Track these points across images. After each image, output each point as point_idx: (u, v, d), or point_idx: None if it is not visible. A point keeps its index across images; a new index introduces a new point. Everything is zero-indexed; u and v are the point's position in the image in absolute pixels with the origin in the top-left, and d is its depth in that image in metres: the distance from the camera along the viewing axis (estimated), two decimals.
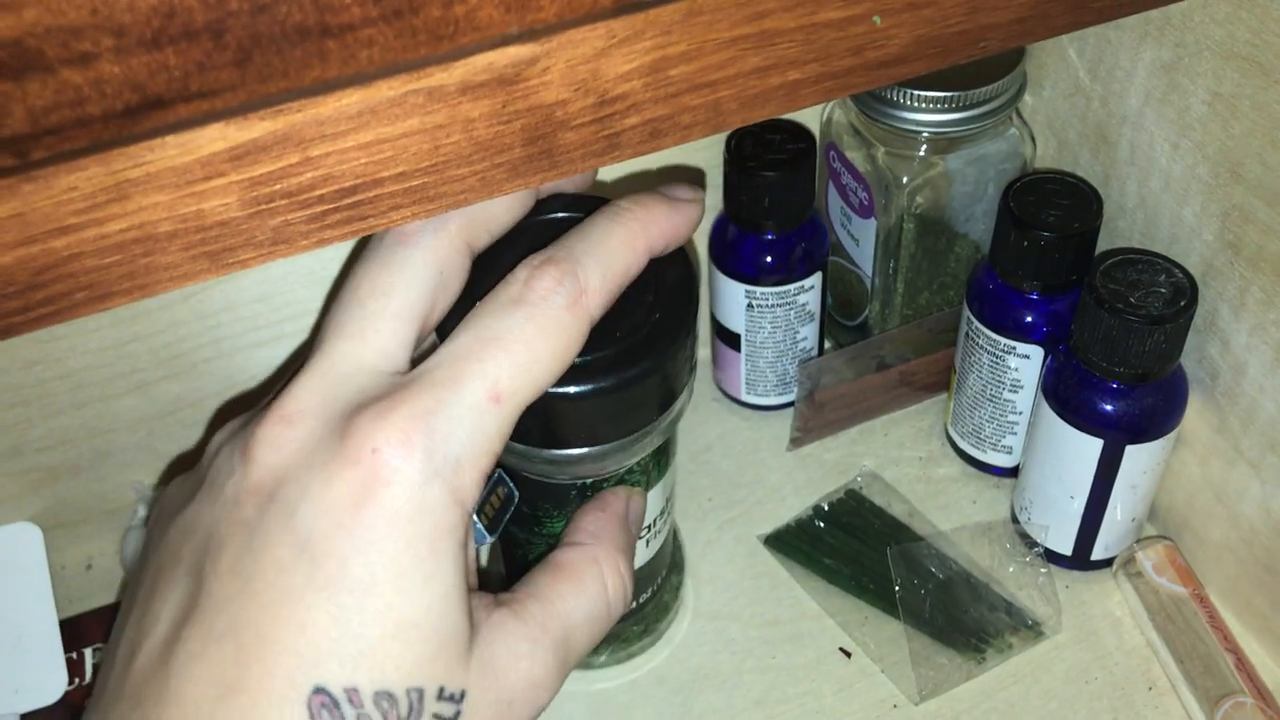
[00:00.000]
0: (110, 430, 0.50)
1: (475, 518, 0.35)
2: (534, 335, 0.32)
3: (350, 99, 0.25)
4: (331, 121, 0.26)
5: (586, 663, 0.49)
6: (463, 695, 0.31)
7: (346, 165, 0.26)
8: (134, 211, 0.25)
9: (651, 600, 0.48)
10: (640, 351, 0.36)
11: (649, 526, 0.43)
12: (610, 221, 0.35)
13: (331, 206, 0.27)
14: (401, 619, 0.30)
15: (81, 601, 0.52)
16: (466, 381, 0.31)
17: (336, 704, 0.29)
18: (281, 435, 0.31)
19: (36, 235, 0.25)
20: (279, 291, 0.49)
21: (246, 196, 0.26)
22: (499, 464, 0.38)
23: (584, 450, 0.38)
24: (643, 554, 0.44)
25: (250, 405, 0.32)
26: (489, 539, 0.36)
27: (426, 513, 0.30)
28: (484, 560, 0.52)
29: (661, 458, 0.42)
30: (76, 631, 0.50)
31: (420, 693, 0.30)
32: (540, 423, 0.36)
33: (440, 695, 0.31)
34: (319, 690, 0.29)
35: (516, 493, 0.38)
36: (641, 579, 0.46)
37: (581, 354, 0.35)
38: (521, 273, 0.33)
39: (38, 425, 0.49)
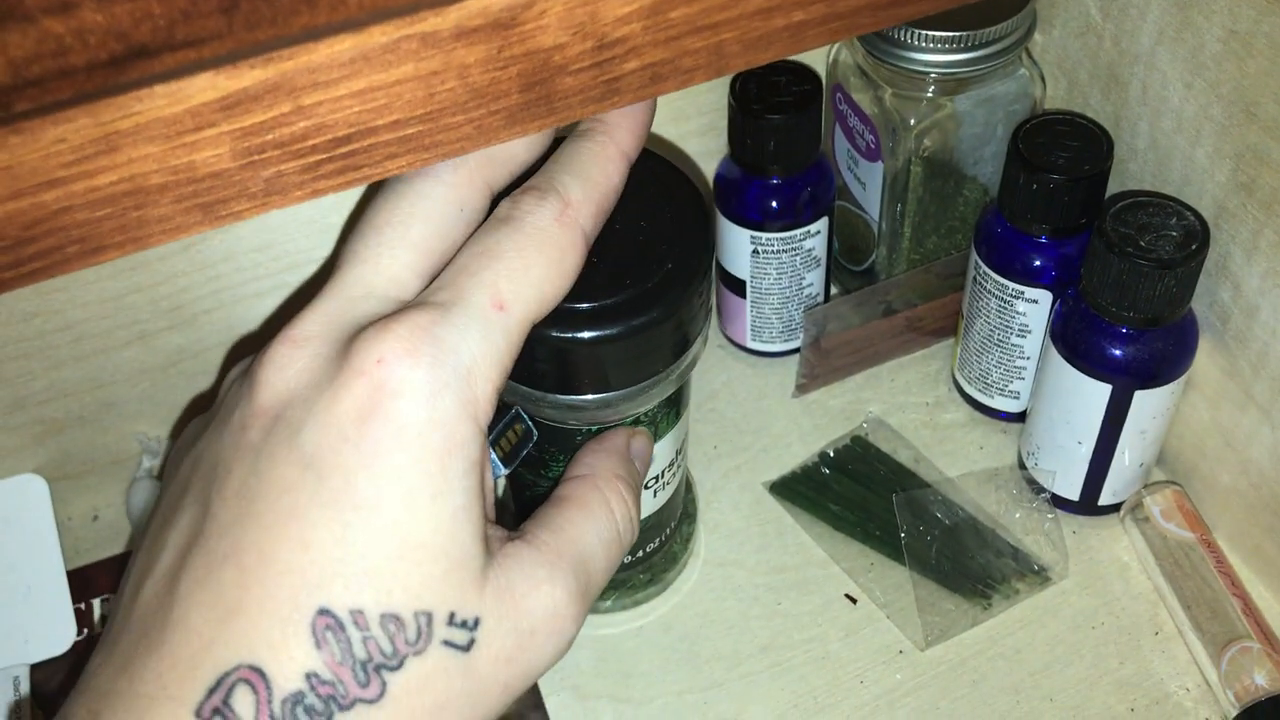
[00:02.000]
0: (112, 382, 0.50)
1: (491, 449, 0.35)
2: (525, 245, 0.31)
3: (342, 45, 0.25)
4: (323, 69, 0.25)
5: (593, 606, 0.49)
6: (477, 622, 0.30)
7: (340, 114, 0.26)
8: (124, 164, 0.25)
9: (660, 550, 0.48)
10: (653, 298, 0.36)
11: (657, 477, 0.43)
12: (576, 140, 0.34)
13: (325, 156, 0.27)
14: (408, 538, 0.29)
15: (89, 553, 0.53)
16: (468, 293, 0.31)
17: (341, 626, 0.28)
18: (287, 356, 0.30)
19: (25, 189, 0.24)
20: (279, 241, 0.48)
21: (238, 147, 0.26)
22: (516, 403, 0.38)
23: (594, 396, 0.37)
24: (650, 504, 0.44)
25: (261, 345, 0.32)
26: (504, 471, 0.35)
27: (436, 426, 0.29)
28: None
29: (672, 408, 0.41)
30: (84, 582, 0.51)
31: (429, 616, 0.29)
32: (551, 367, 0.36)
33: (451, 620, 0.30)
34: (323, 612, 0.28)
35: (535, 430, 0.38)
36: (649, 528, 0.46)
37: (594, 299, 0.34)
38: (506, 201, 0.33)
39: (40, 378, 0.49)
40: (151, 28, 0.21)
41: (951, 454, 0.54)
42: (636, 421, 0.40)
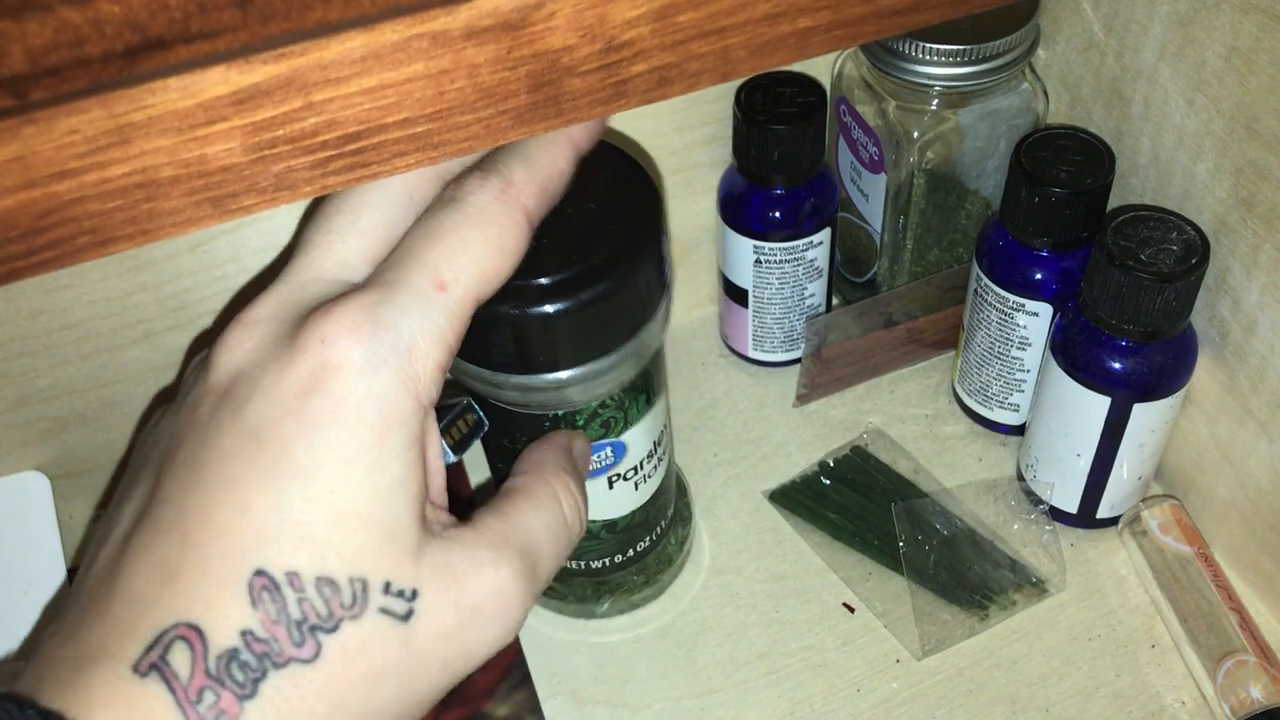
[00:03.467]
0: (116, 380, 0.50)
1: (441, 437, 0.35)
2: (465, 225, 0.32)
3: (354, 43, 0.25)
4: (335, 66, 0.25)
5: (589, 611, 0.49)
6: (415, 594, 0.31)
7: (350, 110, 0.26)
8: (136, 155, 0.25)
9: (652, 550, 0.48)
10: (599, 273, 0.36)
11: (636, 468, 0.43)
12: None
13: (335, 153, 0.27)
14: (343, 507, 0.30)
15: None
16: (410, 274, 0.31)
17: (277, 586, 0.29)
18: (238, 338, 0.32)
19: (38, 179, 0.25)
20: (283, 243, 0.49)
21: (249, 142, 0.26)
22: (470, 392, 0.38)
23: (548, 376, 0.38)
24: (631, 497, 0.44)
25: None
26: (453, 458, 0.36)
27: (374, 400, 0.30)
28: None
29: (640, 394, 0.41)
30: None
31: (364, 583, 0.30)
32: (501, 346, 0.37)
33: (387, 590, 0.30)
34: (259, 572, 0.29)
35: (486, 421, 0.38)
36: (636, 526, 0.46)
37: (540, 275, 0.35)
38: (451, 183, 0.33)
39: (44, 375, 0.49)
40: (168, 19, 0.22)
41: (950, 466, 0.54)
42: (603, 406, 0.40)
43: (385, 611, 0.30)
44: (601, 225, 0.37)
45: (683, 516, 0.51)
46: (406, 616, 0.31)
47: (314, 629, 0.29)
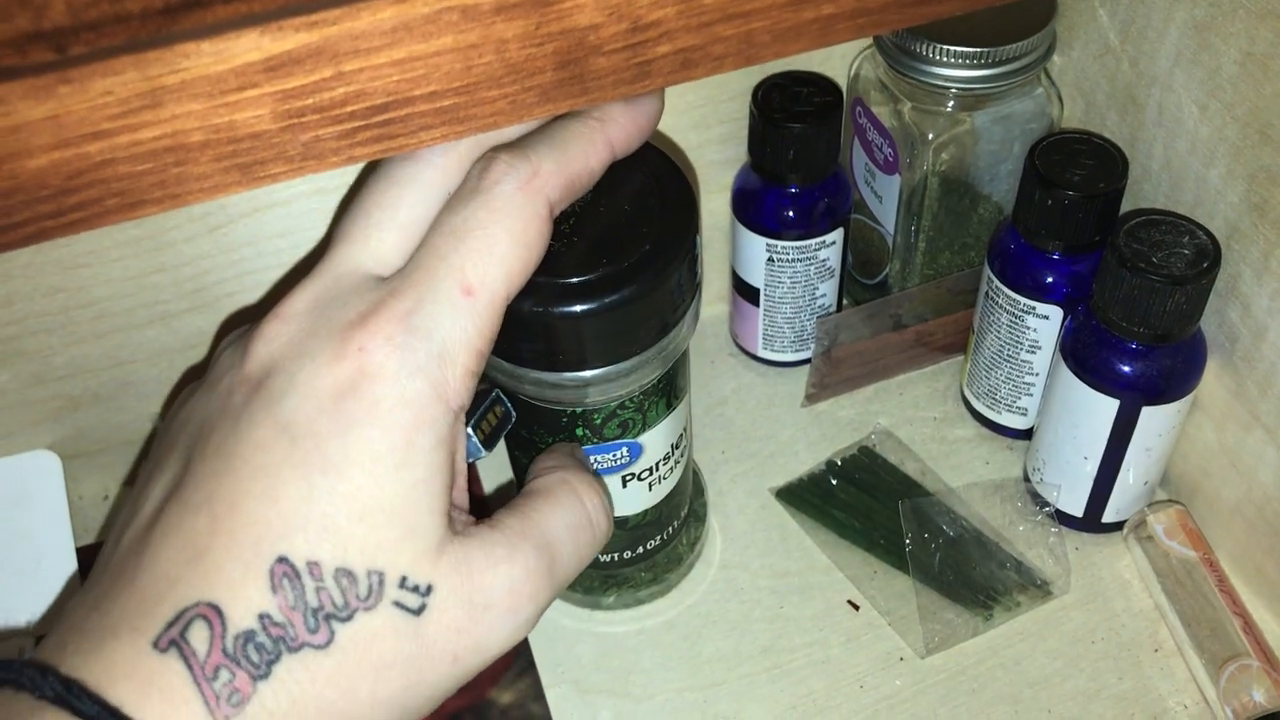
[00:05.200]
0: (131, 361, 0.51)
1: (471, 431, 0.36)
2: (488, 220, 0.32)
3: (385, 13, 0.25)
4: (366, 36, 0.26)
5: (594, 602, 0.50)
6: (429, 589, 0.32)
7: (379, 82, 0.27)
8: (167, 119, 0.25)
9: (662, 549, 0.48)
10: (629, 275, 0.36)
11: (651, 469, 0.44)
12: (569, 119, 0.35)
13: (363, 123, 0.27)
14: (369, 502, 0.31)
15: (99, 532, 0.53)
16: (438, 279, 0.32)
17: (297, 574, 0.30)
18: (276, 330, 0.32)
19: (70, 139, 0.25)
20: (301, 228, 0.49)
21: (279, 109, 0.26)
22: (497, 385, 0.39)
23: (571, 375, 0.38)
24: (644, 497, 0.45)
25: (256, 319, 0.33)
26: (483, 454, 0.36)
27: (407, 404, 0.31)
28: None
29: (661, 397, 0.42)
30: (94, 561, 0.51)
31: (381, 576, 0.31)
32: (527, 342, 0.37)
33: (403, 584, 0.31)
34: (281, 559, 0.30)
35: (514, 413, 0.38)
36: (648, 524, 0.46)
37: (571, 274, 0.35)
38: (477, 165, 0.34)
39: (60, 353, 0.49)
40: None
41: (958, 468, 0.54)
42: (622, 407, 0.40)
43: (399, 605, 0.31)
44: (636, 226, 0.37)
45: (697, 516, 0.51)
46: (419, 610, 0.31)
47: (329, 617, 0.30)
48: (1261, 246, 0.43)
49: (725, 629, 0.49)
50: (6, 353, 0.49)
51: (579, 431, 0.41)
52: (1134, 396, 0.45)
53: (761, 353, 0.58)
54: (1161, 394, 0.45)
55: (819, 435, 0.56)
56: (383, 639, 0.31)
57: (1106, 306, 0.44)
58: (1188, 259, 0.43)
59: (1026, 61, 0.48)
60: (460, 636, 0.32)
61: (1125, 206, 0.48)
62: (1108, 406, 0.46)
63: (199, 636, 0.29)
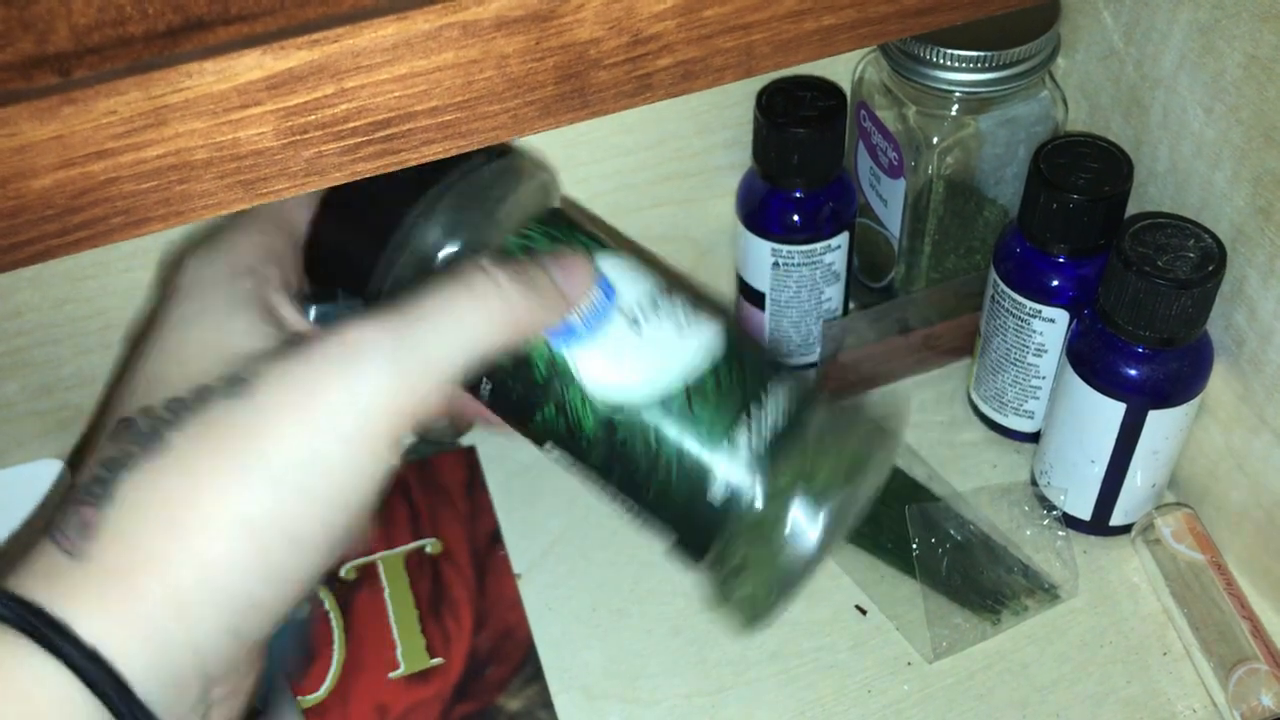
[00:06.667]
0: None
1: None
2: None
3: (386, 30, 0.25)
4: (367, 53, 0.26)
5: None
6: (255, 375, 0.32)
7: (380, 98, 0.27)
8: (171, 138, 0.26)
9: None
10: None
11: (651, 301, 0.35)
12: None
13: (365, 139, 0.27)
14: (187, 351, 0.33)
15: None
16: None
17: (132, 422, 0.31)
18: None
19: (75, 158, 0.25)
20: None
21: (282, 126, 0.26)
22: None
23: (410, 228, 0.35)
24: (680, 343, 0.35)
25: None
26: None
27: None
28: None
29: (553, 229, 0.36)
30: None
31: (206, 388, 0.32)
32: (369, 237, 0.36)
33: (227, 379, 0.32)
34: (121, 420, 0.32)
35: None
36: (727, 387, 0.35)
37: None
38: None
39: (67, 364, 0.50)
40: (208, 0, 0.22)
41: (965, 472, 0.54)
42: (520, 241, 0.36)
43: (225, 393, 0.31)
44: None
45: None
46: (242, 388, 0.31)
47: (160, 431, 0.30)
48: (1267, 250, 0.43)
49: (732, 634, 0.49)
50: (14, 363, 0.49)
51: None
52: (1141, 400, 0.45)
53: None
54: (1168, 397, 0.45)
55: None
56: (215, 424, 0.30)
57: (1112, 310, 0.44)
58: (1193, 262, 0.43)
59: (1031, 65, 0.48)
60: (292, 389, 0.31)
61: (1130, 210, 0.48)
62: (1114, 410, 0.46)
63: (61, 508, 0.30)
